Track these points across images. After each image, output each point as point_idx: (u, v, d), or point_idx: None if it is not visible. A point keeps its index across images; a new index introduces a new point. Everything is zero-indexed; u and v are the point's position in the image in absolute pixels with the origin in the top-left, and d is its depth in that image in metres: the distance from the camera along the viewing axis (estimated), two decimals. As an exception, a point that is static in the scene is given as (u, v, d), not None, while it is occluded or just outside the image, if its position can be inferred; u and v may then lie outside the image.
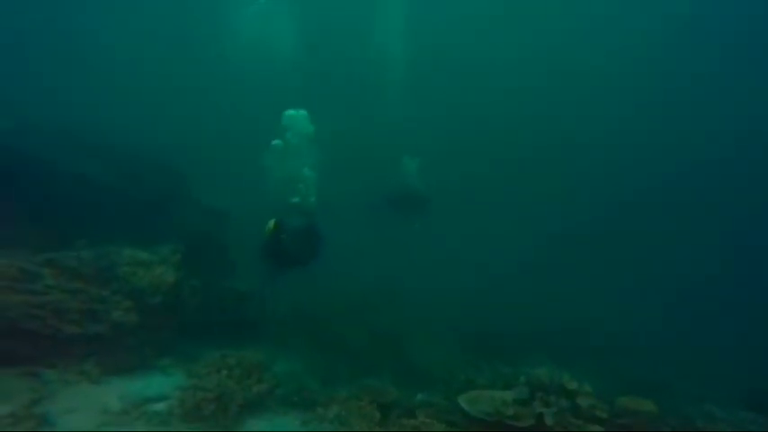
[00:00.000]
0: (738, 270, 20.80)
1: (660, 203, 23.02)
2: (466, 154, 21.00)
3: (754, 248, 21.74)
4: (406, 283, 11.24)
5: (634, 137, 23.02)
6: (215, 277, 6.87)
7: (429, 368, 7.05)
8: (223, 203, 9.12)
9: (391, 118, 17.19)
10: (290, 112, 6.27)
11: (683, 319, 14.41)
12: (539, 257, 17.34)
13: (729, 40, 19.51)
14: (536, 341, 9.05)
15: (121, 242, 6.01)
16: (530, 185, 21.97)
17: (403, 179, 9.24)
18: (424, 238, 11.21)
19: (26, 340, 4.70)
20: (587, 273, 17.01)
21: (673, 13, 19.08)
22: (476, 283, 12.66)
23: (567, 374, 4.74)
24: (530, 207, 21.25)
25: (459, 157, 20.34)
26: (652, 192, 22.99)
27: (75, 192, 6.73)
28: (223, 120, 19.59)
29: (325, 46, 18.12)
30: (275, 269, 5.10)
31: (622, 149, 23.10)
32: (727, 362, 10.64)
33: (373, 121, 17.98)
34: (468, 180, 20.61)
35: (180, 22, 20.23)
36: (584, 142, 22.37)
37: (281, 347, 6.83)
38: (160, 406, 4.69)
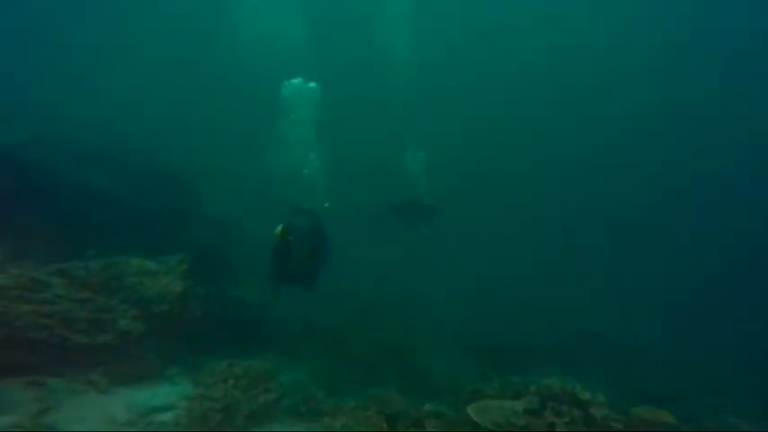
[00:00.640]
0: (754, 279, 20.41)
1: (660, 203, 22.85)
2: (475, 150, 21.02)
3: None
4: (412, 292, 11.15)
5: (634, 137, 22.97)
6: (221, 287, 6.88)
7: (436, 377, 6.96)
8: (231, 212, 9.15)
9: (396, 113, 17.06)
10: None
11: (692, 328, 14.13)
12: (544, 265, 17.12)
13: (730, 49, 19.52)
14: (544, 350, 8.91)
15: (129, 252, 6.06)
16: (533, 187, 21.96)
17: (409, 183, 9.10)
18: (430, 244, 11.14)
19: (34, 349, 4.72)
20: (594, 280, 16.76)
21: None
22: (481, 291, 12.51)
23: (579, 384, 4.64)
24: (538, 209, 21.18)
25: (468, 152, 20.34)
26: (653, 193, 22.88)
27: (88, 204, 6.83)
28: (231, 124, 19.72)
29: (329, 41, 17.86)
30: (282, 277, 5.06)
31: (622, 149, 23.03)
32: (741, 371, 10.38)
33: (379, 117, 17.86)
34: (474, 181, 20.60)
35: (180, 22, 20.55)
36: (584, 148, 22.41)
37: (288, 356, 6.79)
38: (167, 416, 4.67)
